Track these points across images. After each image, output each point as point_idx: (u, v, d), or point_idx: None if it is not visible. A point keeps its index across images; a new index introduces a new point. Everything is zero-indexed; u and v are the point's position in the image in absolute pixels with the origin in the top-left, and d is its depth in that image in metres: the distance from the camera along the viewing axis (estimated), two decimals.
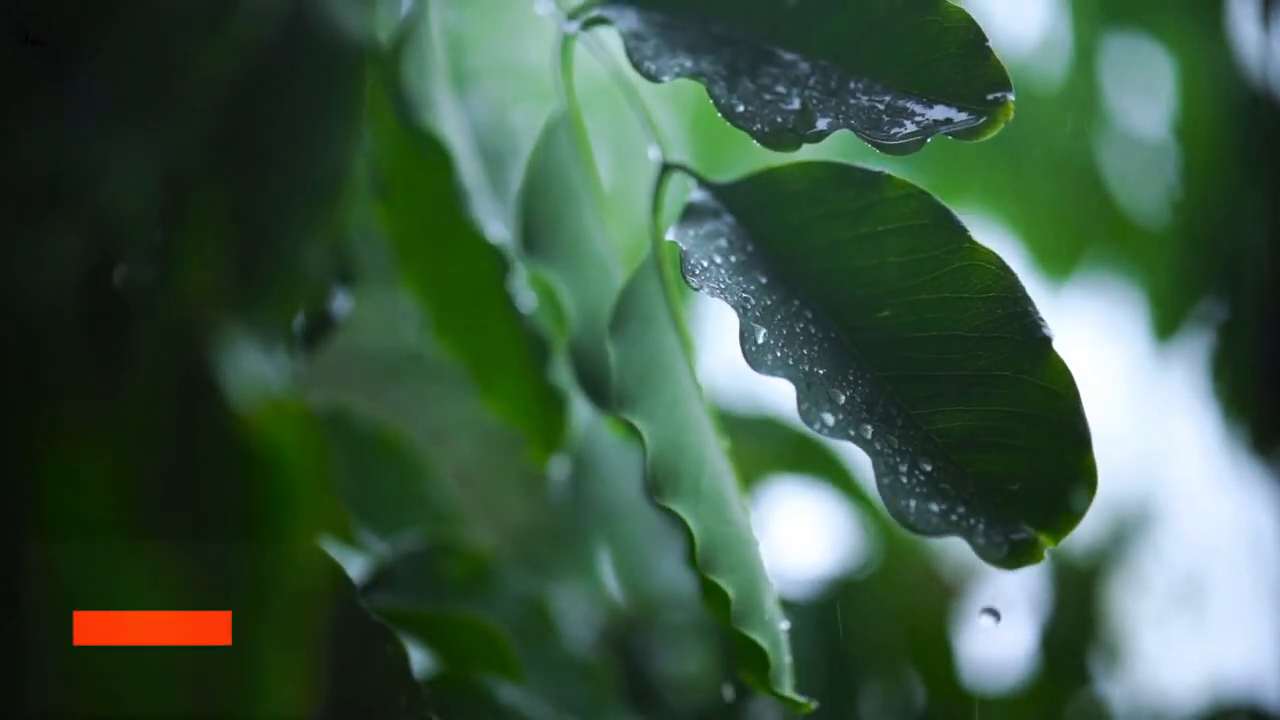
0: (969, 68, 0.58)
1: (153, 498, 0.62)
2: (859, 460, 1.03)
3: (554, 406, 0.78)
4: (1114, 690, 1.06)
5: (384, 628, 0.78)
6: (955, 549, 1.07)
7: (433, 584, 0.87)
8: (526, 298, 0.76)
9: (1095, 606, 1.06)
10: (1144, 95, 1.09)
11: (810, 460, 0.99)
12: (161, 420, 0.62)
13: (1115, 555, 1.08)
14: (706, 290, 0.59)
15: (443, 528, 0.89)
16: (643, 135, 0.67)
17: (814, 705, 0.58)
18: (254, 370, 0.61)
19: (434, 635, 0.85)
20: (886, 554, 1.03)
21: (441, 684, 0.85)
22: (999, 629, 1.05)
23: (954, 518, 0.57)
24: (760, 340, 0.59)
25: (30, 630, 0.59)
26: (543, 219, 0.69)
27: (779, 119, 0.59)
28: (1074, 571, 1.07)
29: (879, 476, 0.57)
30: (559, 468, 0.86)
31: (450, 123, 0.73)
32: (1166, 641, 1.08)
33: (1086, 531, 1.10)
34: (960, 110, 0.57)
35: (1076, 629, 1.05)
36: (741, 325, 0.58)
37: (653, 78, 0.60)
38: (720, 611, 0.59)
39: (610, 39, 0.67)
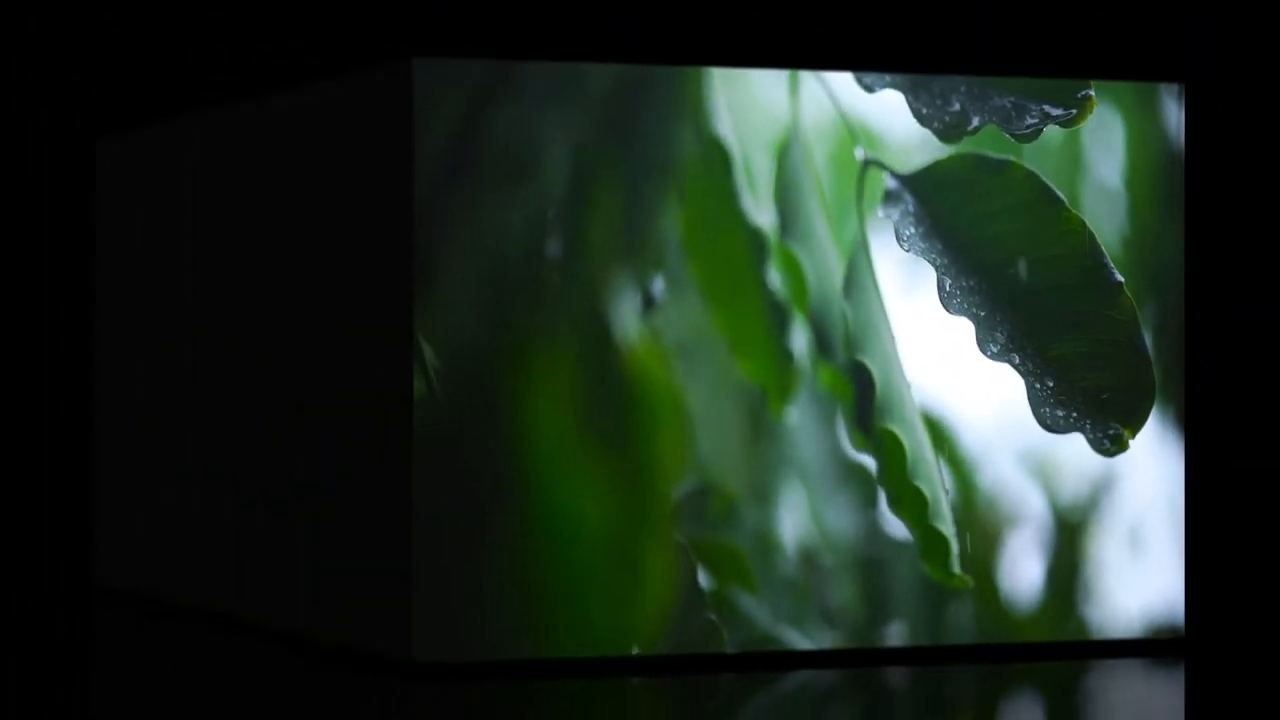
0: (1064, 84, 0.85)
1: (581, 420, 0.90)
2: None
3: (790, 367, 0.97)
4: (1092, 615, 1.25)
5: (681, 545, 0.99)
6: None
7: (700, 516, 1.05)
8: (774, 277, 0.94)
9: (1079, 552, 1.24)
10: (1110, 152, 1.33)
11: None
12: (577, 356, 0.91)
13: (1093, 511, 1.27)
14: (914, 252, 0.82)
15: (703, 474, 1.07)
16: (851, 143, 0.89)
17: (972, 583, 0.82)
18: (631, 315, 0.89)
19: (701, 555, 1.04)
20: None
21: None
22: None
23: (1071, 419, 0.84)
24: (947, 288, 0.84)
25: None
26: (790, 210, 0.90)
27: (947, 118, 0.84)
28: (1065, 524, 1.26)
29: (1028, 390, 0.81)
30: (791, 417, 1.01)
31: (728, 132, 0.92)
32: (1121, 579, 1.27)
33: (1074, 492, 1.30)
34: (1059, 108, 0.86)
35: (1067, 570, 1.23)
36: (937, 277, 0.82)
37: (868, 88, 0.85)
38: (915, 513, 0.83)
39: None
